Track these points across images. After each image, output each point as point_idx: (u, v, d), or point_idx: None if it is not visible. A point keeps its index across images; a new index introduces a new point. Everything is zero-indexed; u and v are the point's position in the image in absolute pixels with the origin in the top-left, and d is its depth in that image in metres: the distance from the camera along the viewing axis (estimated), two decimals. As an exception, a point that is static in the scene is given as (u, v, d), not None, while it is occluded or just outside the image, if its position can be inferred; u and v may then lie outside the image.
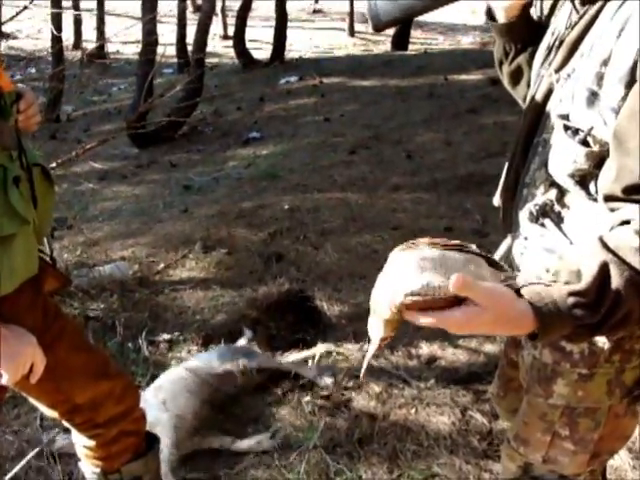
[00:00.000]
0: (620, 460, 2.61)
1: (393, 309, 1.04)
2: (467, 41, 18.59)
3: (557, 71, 1.41)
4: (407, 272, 1.02)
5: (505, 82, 1.72)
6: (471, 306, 1.02)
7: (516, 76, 1.66)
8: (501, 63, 1.69)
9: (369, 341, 1.15)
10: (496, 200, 1.65)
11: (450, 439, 2.77)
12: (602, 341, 1.46)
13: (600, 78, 1.26)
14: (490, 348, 3.36)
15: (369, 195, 5.82)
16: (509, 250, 1.58)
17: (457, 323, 1.03)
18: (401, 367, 3.27)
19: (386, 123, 8.95)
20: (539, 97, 1.47)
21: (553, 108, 1.42)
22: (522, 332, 1.06)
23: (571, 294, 1.03)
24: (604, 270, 1.05)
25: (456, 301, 1.02)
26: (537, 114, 1.47)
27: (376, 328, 1.11)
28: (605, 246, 1.08)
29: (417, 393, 3.06)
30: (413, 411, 2.95)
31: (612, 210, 1.23)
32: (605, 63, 1.26)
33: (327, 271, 4.30)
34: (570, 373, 1.52)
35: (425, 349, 3.41)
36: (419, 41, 18.53)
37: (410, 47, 16.71)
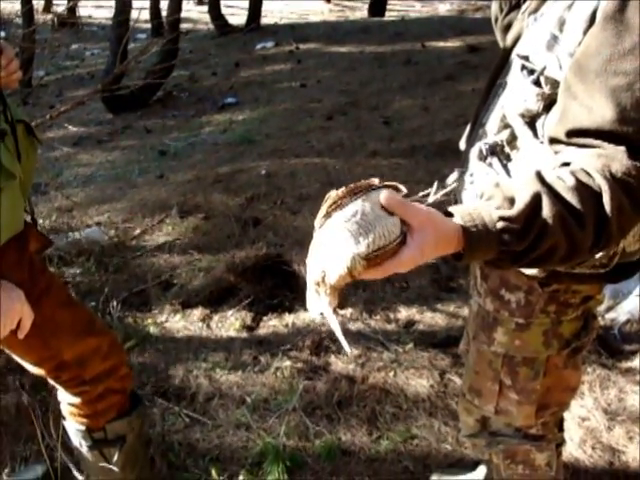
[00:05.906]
0: (596, 421, 2.64)
1: (354, 272, 1.00)
2: (444, 8, 18.49)
3: (529, 15, 1.44)
4: (346, 235, 1.00)
5: (498, 38, 1.75)
6: (414, 238, 1.02)
7: (507, 31, 1.68)
8: (496, 20, 1.73)
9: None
10: (461, 144, 1.67)
11: (429, 401, 2.80)
12: (537, 292, 1.50)
13: (562, 23, 1.28)
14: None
15: (346, 161, 5.78)
16: (455, 184, 1.59)
17: (412, 259, 1.02)
18: (379, 331, 3.28)
19: (363, 89, 8.89)
20: (509, 41, 1.50)
21: (517, 50, 1.44)
22: (449, 251, 1.05)
23: (501, 218, 1.04)
24: (536, 200, 1.06)
25: (401, 243, 1.02)
26: (504, 57, 1.50)
27: (324, 301, 1.05)
28: (541, 179, 1.09)
29: (395, 356, 3.07)
30: (392, 374, 2.96)
31: (556, 153, 1.24)
32: (569, 8, 1.27)
33: (305, 235, 4.27)
34: (509, 322, 1.58)
35: (403, 313, 3.42)
36: (396, 8, 18.40)
37: (387, 14, 16.59)
